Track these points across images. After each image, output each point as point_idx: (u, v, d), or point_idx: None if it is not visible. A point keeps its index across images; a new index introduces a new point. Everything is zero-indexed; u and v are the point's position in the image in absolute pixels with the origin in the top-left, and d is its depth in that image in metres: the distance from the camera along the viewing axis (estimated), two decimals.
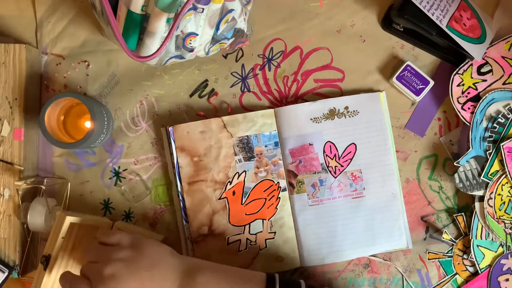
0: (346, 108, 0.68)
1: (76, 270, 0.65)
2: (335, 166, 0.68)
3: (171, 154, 0.68)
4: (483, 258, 0.68)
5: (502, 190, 0.67)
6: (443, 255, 0.69)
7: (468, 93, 0.68)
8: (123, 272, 0.53)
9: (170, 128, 0.67)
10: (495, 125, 0.67)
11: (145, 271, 0.54)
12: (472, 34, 0.65)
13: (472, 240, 0.68)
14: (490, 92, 0.67)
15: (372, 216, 0.68)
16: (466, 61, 0.67)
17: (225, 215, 0.67)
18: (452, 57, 0.69)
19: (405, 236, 0.68)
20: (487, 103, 0.67)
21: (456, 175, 0.67)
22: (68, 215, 0.61)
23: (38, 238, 0.69)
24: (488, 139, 0.67)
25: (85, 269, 0.56)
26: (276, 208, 0.68)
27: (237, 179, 0.68)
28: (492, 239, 0.68)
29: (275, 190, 0.68)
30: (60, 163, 0.69)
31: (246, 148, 0.68)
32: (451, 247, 0.69)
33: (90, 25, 0.70)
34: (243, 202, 0.67)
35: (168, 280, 0.55)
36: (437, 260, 0.69)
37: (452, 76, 0.68)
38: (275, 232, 0.68)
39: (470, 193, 0.67)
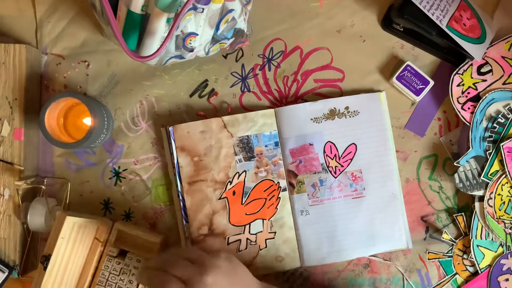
0: (347, 108, 0.68)
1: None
2: (335, 166, 0.68)
3: (171, 154, 0.68)
4: (483, 258, 0.68)
5: (502, 190, 0.67)
6: (443, 255, 0.69)
7: (468, 93, 0.68)
8: (223, 283, 0.53)
9: (170, 128, 0.67)
10: (495, 125, 0.67)
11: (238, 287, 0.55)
12: (472, 34, 0.65)
13: (472, 240, 0.68)
14: (490, 92, 0.67)
15: (372, 216, 0.68)
16: (466, 61, 0.67)
17: (225, 215, 0.67)
18: (452, 57, 0.69)
19: (405, 236, 0.68)
20: (487, 103, 0.67)
21: (456, 175, 0.67)
22: (68, 215, 0.61)
23: (38, 238, 0.69)
24: (488, 139, 0.67)
25: (180, 270, 0.53)
26: (276, 208, 0.68)
27: (237, 179, 0.68)
28: (492, 239, 0.68)
29: (275, 190, 0.68)
30: (60, 163, 0.69)
31: (246, 148, 0.68)
32: (451, 247, 0.69)
33: (90, 25, 0.70)
34: (243, 202, 0.67)
35: None
36: (437, 260, 0.69)
37: (452, 76, 0.68)
38: (275, 232, 0.68)
39: (470, 193, 0.67)
